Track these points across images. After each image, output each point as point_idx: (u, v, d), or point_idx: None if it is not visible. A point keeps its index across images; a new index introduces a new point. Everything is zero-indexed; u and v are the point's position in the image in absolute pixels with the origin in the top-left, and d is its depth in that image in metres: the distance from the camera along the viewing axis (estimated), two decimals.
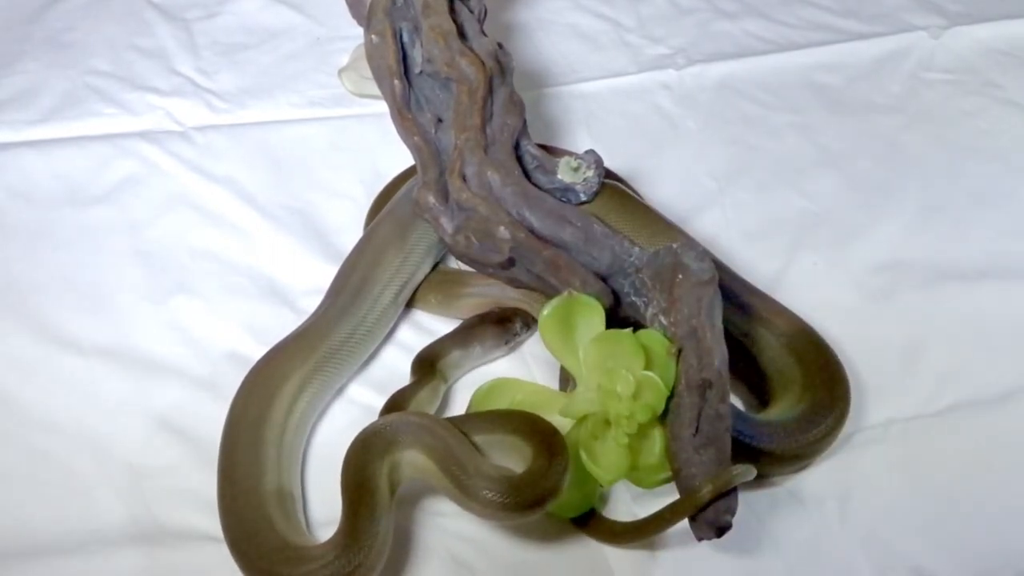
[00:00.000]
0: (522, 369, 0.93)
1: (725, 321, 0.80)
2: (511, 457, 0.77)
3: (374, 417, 0.84)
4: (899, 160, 1.12)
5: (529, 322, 0.94)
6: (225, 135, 1.11)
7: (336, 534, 0.75)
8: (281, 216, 1.04)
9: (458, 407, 0.90)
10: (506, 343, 0.93)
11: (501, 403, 0.82)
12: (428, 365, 0.89)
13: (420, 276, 0.97)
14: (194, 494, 0.83)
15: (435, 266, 0.99)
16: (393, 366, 0.94)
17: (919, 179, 1.10)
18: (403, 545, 0.80)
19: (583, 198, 0.94)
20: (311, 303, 0.94)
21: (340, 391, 0.92)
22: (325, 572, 0.73)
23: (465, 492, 0.75)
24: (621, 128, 1.15)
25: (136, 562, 0.79)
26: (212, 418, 0.85)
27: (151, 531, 0.81)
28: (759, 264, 0.99)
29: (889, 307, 0.98)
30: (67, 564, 0.79)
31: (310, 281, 0.98)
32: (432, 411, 0.87)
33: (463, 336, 0.91)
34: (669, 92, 1.21)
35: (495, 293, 0.94)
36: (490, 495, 0.74)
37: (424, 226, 0.93)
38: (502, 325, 0.93)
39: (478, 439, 0.78)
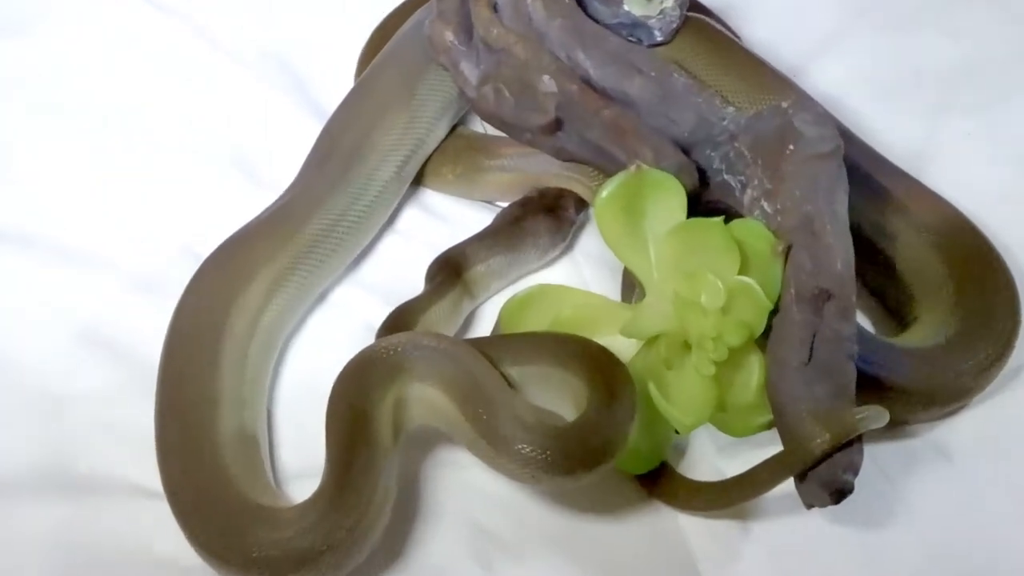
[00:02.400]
0: (570, 272, 0.93)
1: (851, 209, 0.79)
2: (557, 396, 0.76)
3: (370, 335, 0.84)
4: None
5: (581, 207, 0.94)
6: None
7: (319, 490, 0.74)
8: (250, 61, 1.05)
9: (484, 327, 0.90)
10: (563, 239, 0.92)
11: (541, 320, 0.81)
12: (452, 272, 0.88)
13: (432, 143, 0.97)
14: (128, 431, 0.82)
15: (453, 129, 0.98)
16: (394, 263, 0.94)
17: None
18: (408, 506, 0.79)
19: (659, 38, 0.93)
20: (285, 176, 0.94)
21: (323, 296, 0.92)
22: (305, 541, 0.72)
23: (494, 444, 0.73)
24: None
25: (55, 514, 0.78)
26: (153, 332, 0.84)
27: (74, 477, 0.81)
28: (895, 132, 0.98)
29: None
30: None
31: (285, 147, 0.97)
32: (450, 332, 0.87)
33: (507, 234, 0.91)
34: None
35: (532, 167, 0.93)
36: (528, 449, 0.72)
37: (438, 74, 0.93)
38: (554, 215, 0.92)
39: (512, 371, 0.77)
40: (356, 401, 0.75)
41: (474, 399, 0.74)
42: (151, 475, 0.78)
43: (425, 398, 0.76)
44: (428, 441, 0.82)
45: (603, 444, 0.72)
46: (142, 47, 1.04)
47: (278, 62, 1.03)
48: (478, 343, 0.79)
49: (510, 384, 0.76)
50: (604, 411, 0.73)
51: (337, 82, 1.01)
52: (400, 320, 0.84)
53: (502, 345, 0.79)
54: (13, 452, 0.81)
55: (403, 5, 1.04)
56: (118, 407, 0.83)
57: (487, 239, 0.90)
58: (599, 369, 0.75)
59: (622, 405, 0.73)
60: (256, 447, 0.81)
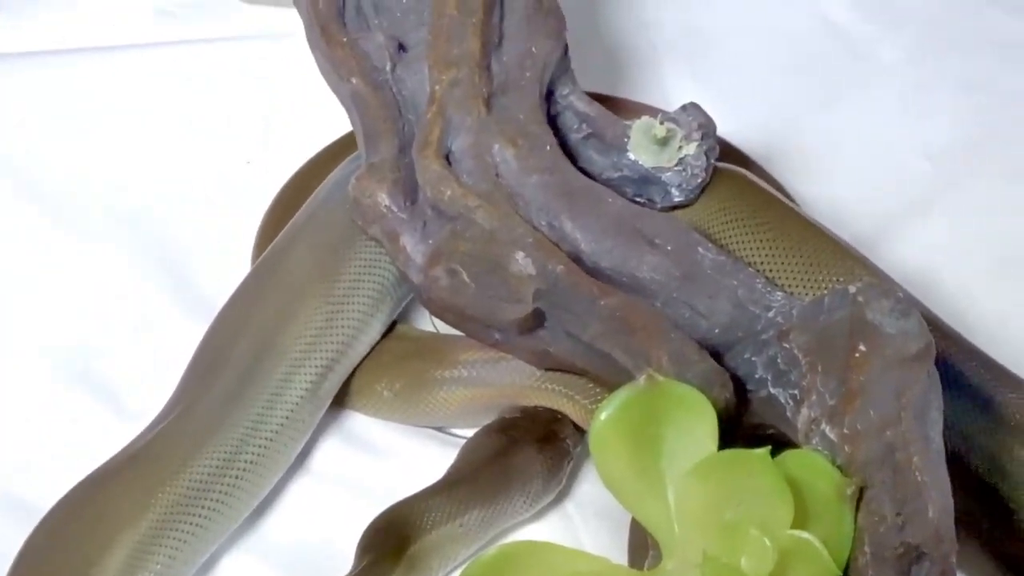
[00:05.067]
0: (557, 526, 0.94)
1: (950, 432, 0.80)
2: None
3: None
4: None
5: (576, 437, 0.95)
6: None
7: None
8: (97, 229, 1.09)
9: None
10: (559, 482, 0.94)
11: None
12: (396, 544, 0.88)
13: (361, 348, 0.99)
14: None
15: (390, 329, 1.01)
16: (308, 519, 0.95)
17: None
18: None
19: (678, 197, 0.95)
20: (155, 398, 0.95)
21: (209, 567, 0.93)
22: None
23: None
24: (755, 61, 1.19)
25: None
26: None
27: None
28: (1010, 320, 1.01)
29: None
30: None
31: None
32: None
33: (486, 479, 0.91)
34: None
35: (503, 379, 0.96)
36: None
37: (368, 252, 0.96)
38: (550, 446, 0.93)
39: None
40: None
41: None
42: None
43: None
44: None
45: None
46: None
47: (139, 231, 1.09)
48: None
49: None
50: None
51: (224, 267, 1.05)
52: None
53: None
54: None
55: (320, 155, 1.06)
56: None
57: (457, 488, 0.91)
58: None
59: None
60: None
